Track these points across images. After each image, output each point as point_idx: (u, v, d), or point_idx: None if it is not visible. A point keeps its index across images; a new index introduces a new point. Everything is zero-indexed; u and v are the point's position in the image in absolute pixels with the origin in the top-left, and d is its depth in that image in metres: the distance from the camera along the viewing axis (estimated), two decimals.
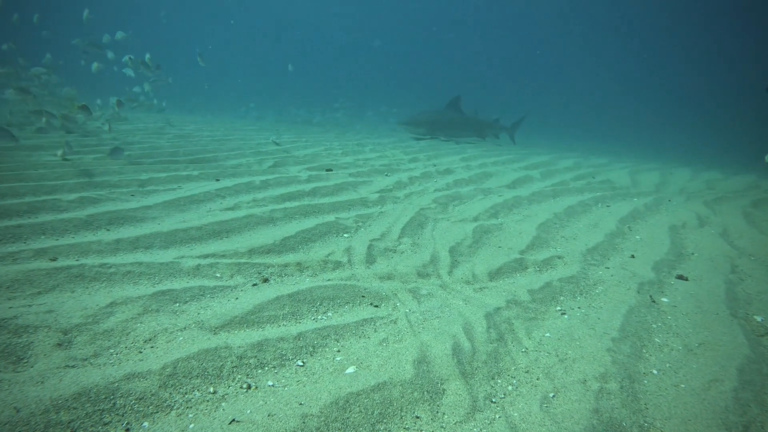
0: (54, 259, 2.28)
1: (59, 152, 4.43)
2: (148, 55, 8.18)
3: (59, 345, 1.60)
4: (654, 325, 2.29)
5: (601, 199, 5.13)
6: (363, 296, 2.37)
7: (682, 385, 1.80)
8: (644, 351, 2.05)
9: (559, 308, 2.45)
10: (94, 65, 7.87)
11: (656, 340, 2.16)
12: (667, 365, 1.94)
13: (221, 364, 1.63)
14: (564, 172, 7.20)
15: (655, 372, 1.89)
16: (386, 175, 5.59)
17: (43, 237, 2.57)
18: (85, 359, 1.55)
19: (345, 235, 3.27)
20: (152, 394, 1.41)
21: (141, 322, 1.84)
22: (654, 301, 2.56)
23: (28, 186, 3.35)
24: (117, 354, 1.63)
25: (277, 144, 7.55)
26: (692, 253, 3.48)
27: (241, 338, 1.82)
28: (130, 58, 8.06)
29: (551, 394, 1.69)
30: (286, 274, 2.57)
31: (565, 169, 7.62)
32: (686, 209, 4.91)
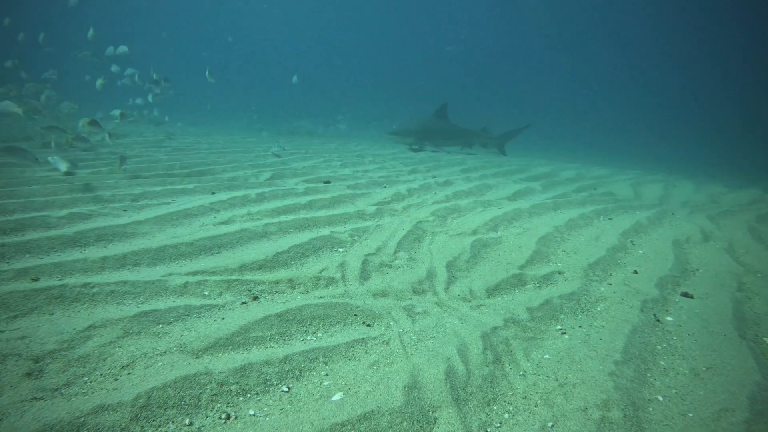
0: (36, 279, 2.22)
1: (61, 167, 4.36)
2: (154, 73, 8.10)
3: (28, 375, 1.51)
4: (659, 347, 2.19)
5: (603, 211, 5.04)
6: (355, 315, 2.29)
7: (690, 414, 1.70)
8: (649, 375, 1.94)
9: (559, 327, 2.35)
10: (99, 82, 7.90)
11: (661, 363, 2.05)
12: (674, 391, 1.84)
13: (200, 392, 1.55)
14: (565, 184, 7.12)
15: (660, 399, 1.78)
16: (385, 187, 5.53)
17: (27, 256, 2.51)
18: (55, 389, 1.47)
19: (340, 249, 3.20)
20: (122, 429, 1.33)
21: (120, 347, 1.76)
22: (658, 320, 2.46)
23: (18, 203, 3.31)
24: (91, 383, 1.55)
25: (278, 156, 7.53)
26: (697, 269, 3.37)
27: (223, 362, 1.74)
28: (137, 75, 8.06)
29: (550, 424, 1.60)
30: (276, 292, 2.49)
31: (567, 180, 7.55)
32: (690, 223, 4.80)
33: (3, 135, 7.53)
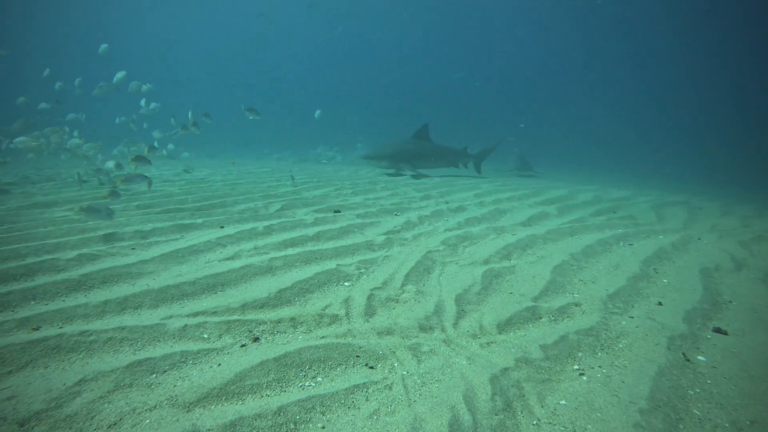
0: (37, 329, 2.20)
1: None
2: (190, 113, 8.00)
3: None
4: (691, 392, 1.98)
5: (623, 236, 4.80)
6: (358, 356, 2.18)
7: None
8: (681, 427, 1.74)
9: (576, 367, 2.17)
10: (131, 124, 8.24)
11: (695, 411, 1.85)
12: None
13: None
14: (582, 207, 6.88)
15: None
16: (396, 214, 5.47)
17: (32, 303, 2.52)
18: None
19: (346, 283, 3.11)
20: None
21: (109, 402, 1.70)
22: (688, 360, 2.25)
23: (32, 246, 3.37)
24: None
25: (294, 186, 7.60)
26: (730, 302, 3.11)
27: (213, 417, 1.65)
28: (173, 118, 8.24)
29: None
30: (278, 332, 2.42)
31: (584, 203, 7.30)
32: (719, 249, 4.49)
33: (33, 177, 7.91)
